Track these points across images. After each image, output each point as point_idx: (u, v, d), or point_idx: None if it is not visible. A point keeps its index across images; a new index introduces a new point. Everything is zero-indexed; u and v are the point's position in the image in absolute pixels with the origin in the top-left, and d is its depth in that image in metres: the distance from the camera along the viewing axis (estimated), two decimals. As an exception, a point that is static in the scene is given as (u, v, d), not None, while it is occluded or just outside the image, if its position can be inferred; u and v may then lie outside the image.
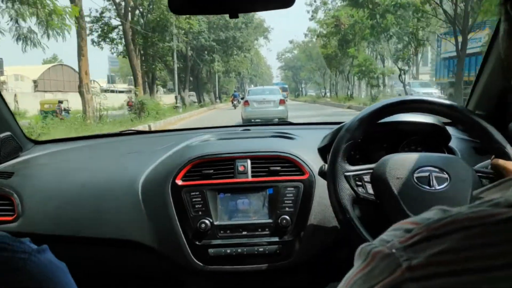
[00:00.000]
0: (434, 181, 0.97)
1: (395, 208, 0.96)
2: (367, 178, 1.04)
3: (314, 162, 1.27)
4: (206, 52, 26.30)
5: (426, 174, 0.98)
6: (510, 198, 0.34)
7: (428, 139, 1.31)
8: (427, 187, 0.96)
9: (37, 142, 1.66)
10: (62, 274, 0.50)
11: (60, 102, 16.08)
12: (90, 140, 1.78)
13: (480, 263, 0.30)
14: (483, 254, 0.31)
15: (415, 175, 0.98)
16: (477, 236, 0.32)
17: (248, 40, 30.54)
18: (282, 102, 13.14)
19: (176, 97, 21.15)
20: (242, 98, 20.84)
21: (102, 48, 18.33)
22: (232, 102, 25.36)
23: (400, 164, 1.00)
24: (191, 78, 27.18)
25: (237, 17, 0.86)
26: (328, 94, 38.56)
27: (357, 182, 1.02)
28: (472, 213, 0.33)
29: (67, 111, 15.59)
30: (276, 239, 1.20)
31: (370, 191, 1.03)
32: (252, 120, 11.78)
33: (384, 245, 0.35)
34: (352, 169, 1.03)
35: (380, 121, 1.07)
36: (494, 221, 0.32)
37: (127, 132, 1.92)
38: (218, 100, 34.66)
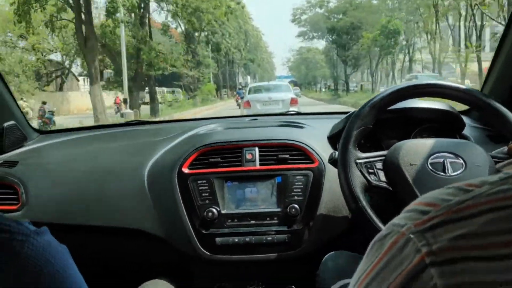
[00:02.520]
0: (449, 167, 1.03)
1: (409, 196, 1.01)
2: (379, 165, 1.10)
3: (323, 150, 1.36)
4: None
5: (441, 160, 1.04)
6: None
7: (442, 127, 1.38)
8: (442, 174, 1.02)
9: (42, 132, 1.80)
10: (62, 257, 0.52)
11: (44, 103, 15.80)
12: (95, 130, 1.91)
13: (508, 250, 0.30)
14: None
15: (430, 161, 1.04)
16: (504, 220, 0.31)
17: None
18: (294, 102, 11.40)
19: (124, 101, 16.19)
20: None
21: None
22: (237, 101, 25.46)
23: (414, 150, 1.07)
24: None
25: None
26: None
27: (369, 170, 1.08)
28: (496, 193, 0.33)
29: (51, 112, 15.48)
30: (284, 228, 1.29)
31: (383, 178, 1.09)
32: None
33: (399, 230, 0.35)
34: (363, 156, 1.09)
35: (392, 108, 1.14)
36: None
37: (133, 122, 2.05)
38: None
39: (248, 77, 65.35)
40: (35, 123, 11.22)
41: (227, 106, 26.51)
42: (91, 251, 1.43)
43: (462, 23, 21.35)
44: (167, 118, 9.99)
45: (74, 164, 1.52)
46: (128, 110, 15.52)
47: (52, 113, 15.31)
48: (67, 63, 24.66)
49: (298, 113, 2.11)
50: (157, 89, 31.11)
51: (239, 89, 34.39)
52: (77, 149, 1.67)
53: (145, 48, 17.56)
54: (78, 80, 27.30)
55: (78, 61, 20.43)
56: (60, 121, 15.87)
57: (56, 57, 23.99)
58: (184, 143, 1.48)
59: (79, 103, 23.44)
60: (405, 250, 0.33)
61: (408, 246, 0.33)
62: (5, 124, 1.55)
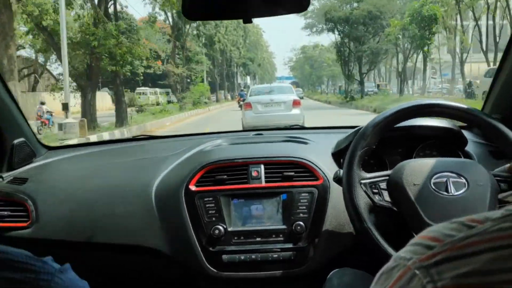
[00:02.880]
0: (452, 187, 1.06)
1: (413, 215, 1.06)
2: (383, 185, 1.15)
3: (328, 167, 1.40)
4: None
5: (444, 179, 1.08)
6: None
7: (444, 143, 1.43)
8: (445, 193, 1.05)
9: (50, 148, 1.85)
10: None
11: (42, 103, 15.46)
12: (103, 146, 1.96)
13: None
14: None
15: (433, 181, 1.08)
16: (507, 259, 0.32)
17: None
18: (296, 103, 11.08)
19: (64, 106, 11.57)
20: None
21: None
22: (239, 102, 25.45)
23: (417, 170, 1.10)
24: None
25: (251, 22, 0.92)
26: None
27: (373, 190, 1.13)
28: (501, 230, 0.34)
29: (50, 113, 15.39)
30: (290, 245, 1.33)
31: (387, 198, 1.14)
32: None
33: (405, 264, 0.36)
34: (368, 176, 1.13)
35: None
36: None
37: (140, 137, 2.09)
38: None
39: (248, 77, 62.91)
40: (32, 123, 10.94)
41: (226, 108, 24.81)
42: (98, 268, 1.47)
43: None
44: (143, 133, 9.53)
45: (82, 181, 1.56)
46: (69, 120, 11.40)
47: (51, 113, 15.16)
48: (41, 60, 22.36)
49: (302, 127, 2.15)
50: (141, 89, 29.43)
51: (241, 90, 33.96)
52: (85, 165, 1.71)
53: (101, 32, 13.41)
54: (56, 80, 22.19)
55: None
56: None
57: (26, 52, 21.44)
58: (190, 160, 1.52)
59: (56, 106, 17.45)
60: (411, 285, 0.34)
61: (414, 281, 0.34)
62: (15, 141, 1.59)
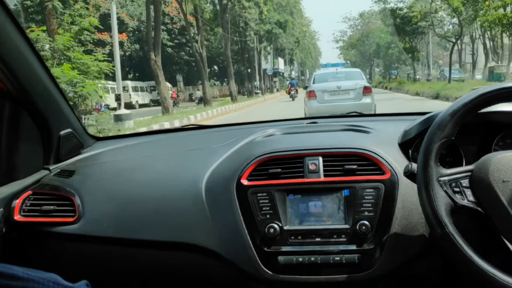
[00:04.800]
0: None
1: (504, 218, 0.94)
2: (465, 182, 1.01)
3: (395, 160, 1.27)
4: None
5: None
6: None
7: None
8: None
9: (98, 139, 1.84)
10: None
11: (101, 97, 16.82)
12: (151, 136, 1.92)
13: None
14: None
15: None
16: None
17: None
18: (367, 91, 10.00)
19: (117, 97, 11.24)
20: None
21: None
22: (289, 92, 24.78)
23: (506, 164, 0.97)
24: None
25: None
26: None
27: (454, 188, 1.00)
28: None
29: (107, 106, 16.28)
30: (353, 247, 1.21)
31: (471, 198, 1.00)
32: None
33: None
34: (447, 173, 1.01)
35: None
36: None
37: (189, 127, 2.04)
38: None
39: (280, 61, 44.92)
40: (92, 116, 11.43)
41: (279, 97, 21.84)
42: (145, 266, 1.41)
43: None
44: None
45: (130, 174, 1.52)
46: (123, 111, 11.15)
47: (107, 106, 16.23)
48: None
49: (361, 115, 1.99)
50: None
51: (292, 79, 31.83)
52: (132, 156, 1.68)
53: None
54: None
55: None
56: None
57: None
58: (241, 151, 1.43)
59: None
60: None
61: None
62: (62, 132, 1.57)
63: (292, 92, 24.11)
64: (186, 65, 36.36)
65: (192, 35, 24.74)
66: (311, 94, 10.27)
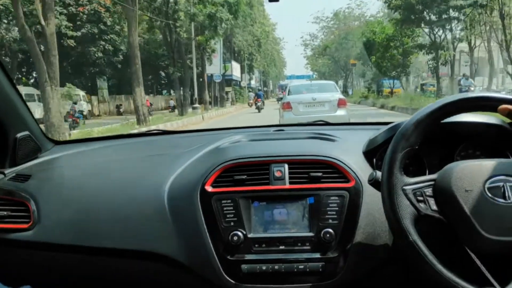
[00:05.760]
0: (510, 193, 0.94)
1: (466, 227, 0.94)
2: (428, 191, 1.01)
3: (360, 168, 1.27)
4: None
5: (500, 184, 0.95)
6: None
7: (490, 143, 1.29)
8: (502, 200, 0.94)
9: (57, 142, 1.77)
10: None
11: (75, 103, 16.60)
12: (113, 141, 1.87)
13: None
14: None
15: (487, 186, 0.96)
16: None
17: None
18: (342, 103, 10.13)
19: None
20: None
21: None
22: (256, 104, 24.49)
23: (468, 173, 0.98)
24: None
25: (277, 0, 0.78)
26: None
27: (418, 197, 1.00)
28: None
29: (81, 112, 16.11)
30: (318, 255, 1.20)
31: (434, 207, 1.00)
32: None
33: None
34: (411, 182, 1.01)
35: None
36: None
37: (153, 132, 2.01)
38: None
39: (236, 65, 35.08)
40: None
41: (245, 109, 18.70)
42: (104, 275, 1.36)
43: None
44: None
45: (89, 179, 1.46)
46: None
47: (81, 112, 16.12)
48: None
49: (327, 123, 2.00)
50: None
51: (259, 89, 29.90)
52: (93, 161, 1.62)
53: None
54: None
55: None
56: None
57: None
58: (206, 157, 1.41)
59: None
60: None
61: None
62: (18, 135, 1.51)
63: (259, 104, 23.96)
64: (110, 66, 27.05)
65: (110, 23, 20.25)
66: (286, 106, 10.30)
